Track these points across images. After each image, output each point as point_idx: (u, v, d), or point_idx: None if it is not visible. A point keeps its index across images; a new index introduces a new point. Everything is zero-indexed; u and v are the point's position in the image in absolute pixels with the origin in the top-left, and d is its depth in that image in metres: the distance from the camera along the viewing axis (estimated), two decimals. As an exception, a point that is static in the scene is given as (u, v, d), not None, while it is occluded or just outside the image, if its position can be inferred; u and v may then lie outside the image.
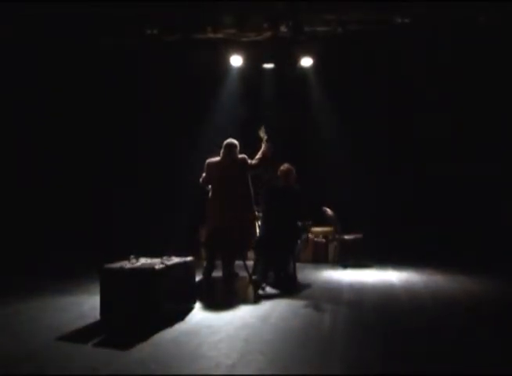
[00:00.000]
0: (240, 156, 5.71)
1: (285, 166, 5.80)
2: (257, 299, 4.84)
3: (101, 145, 7.79)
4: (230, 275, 5.68)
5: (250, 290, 5.28)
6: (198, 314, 4.26)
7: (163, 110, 7.87)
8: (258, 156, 5.71)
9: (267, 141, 5.70)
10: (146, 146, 7.94)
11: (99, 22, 6.57)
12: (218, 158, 5.73)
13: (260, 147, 5.77)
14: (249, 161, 5.66)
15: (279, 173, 5.79)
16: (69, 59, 7.11)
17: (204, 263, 5.73)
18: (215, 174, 5.67)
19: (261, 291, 5.12)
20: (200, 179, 5.81)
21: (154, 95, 7.80)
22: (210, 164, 5.74)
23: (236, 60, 7.62)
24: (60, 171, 7.46)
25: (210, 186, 5.79)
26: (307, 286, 5.51)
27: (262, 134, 5.72)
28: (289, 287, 5.32)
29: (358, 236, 6.91)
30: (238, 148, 5.73)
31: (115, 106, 7.77)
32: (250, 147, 5.82)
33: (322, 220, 7.04)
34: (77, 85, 7.43)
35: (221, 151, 5.72)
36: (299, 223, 5.61)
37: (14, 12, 6.05)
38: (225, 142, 5.73)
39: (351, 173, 7.80)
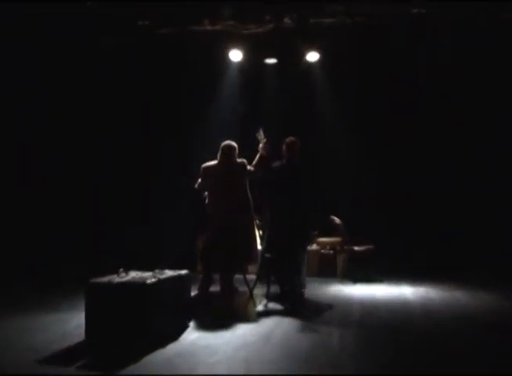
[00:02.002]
0: (239, 160, 5.71)
1: (290, 139, 5.73)
2: (258, 316, 4.84)
3: (97, 147, 7.90)
4: (229, 290, 5.69)
5: (251, 306, 5.27)
6: (194, 333, 4.25)
7: (156, 109, 7.92)
8: (256, 160, 5.72)
9: (265, 144, 5.72)
10: (139, 147, 8.01)
11: (92, 17, 6.76)
12: (214, 162, 5.73)
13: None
14: (248, 167, 5.67)
15: (284, 147, 5.71)
16: (68, 59, 7.30)
17: (200, 276, 5.72)
18: (212, 179, 5.66)
19: (262, 306, 5.12)
20: (196, 185, 5.81)
21: (148, 93, 7.86)
22: (206, 168, 5.73)
23: (236, 55, 7.65)
24: (57, 175, 7.62)
25: (206, 193, 5.79)
26: (313, 302, 5.49)
27: (260, 137, 5.74)
28: (294, 303, 5.30)
29: (369, 247, 6.91)
30: (237, 151, 5.74)
31: (107, 107, 7.87)
32: (251, 149, 5.84)
33: (330, 230, 7.06)
34: (76, 85, 7.59)
35: (219, 154, 5.72)
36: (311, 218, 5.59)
37: (14, 12, 6.32)
38: (223, 145, 5.72)
39: (361, 178, 7.81)
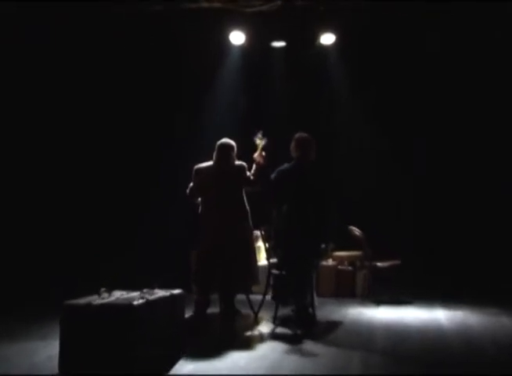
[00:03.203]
0: (238, 162, 5.73)
1: (301, 135, 5.75)
2: (264, 343, 4.83)
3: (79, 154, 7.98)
4: (230, 312, 5.67)
5: (256, 331, 5.27)
6: (188, 364, 4.22)
7: (144, 105, 7.96)
8: (253, 170, 5.74)
9: (263, 149, 5.73)
10: (123, 150, 8.05)
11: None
12: (209, 163, 5.76)
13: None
14: (247, 173, 5.69)
15: (293, 145, 5.75)
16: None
17: (196, 297, 5.72)
18: (206, 182, 5.67)
19: (269, 332, 5.16)
20: (187, 190, 5.83)
21: (131, 83, 7.88)
22: (199, 170, 5.75)
23: (237, 37, 7.67)
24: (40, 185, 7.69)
25: (199, 199, 5.81)
26: (328, 327, 5.46)
27: (259, 141, 5.74)
28: (305, 327, 5.29)
29: (395, 262, 6.87)
30: (235, 151, 5.76)
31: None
32: (253, 150, 5.83)
33: (348, 242, 7.03)
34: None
35: (214, 154, 5.74)
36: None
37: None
38: (219, 143, 5.75)
39: (384, 183, 7.81)
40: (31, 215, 7.58)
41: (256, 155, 5.71)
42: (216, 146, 5.73)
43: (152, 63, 7.87)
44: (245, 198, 5.74)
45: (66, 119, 7.74)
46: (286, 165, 5.74)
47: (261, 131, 5.76)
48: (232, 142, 5.76)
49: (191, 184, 5.78)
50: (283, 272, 5.54)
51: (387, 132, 7.85)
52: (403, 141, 7.90)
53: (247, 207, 5.74)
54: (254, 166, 5.75)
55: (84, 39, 7.46)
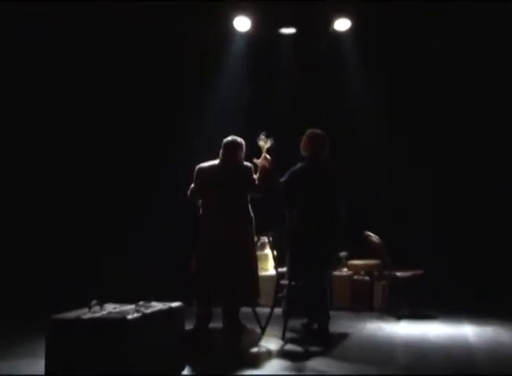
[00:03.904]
0: (246, 163, 5.76)
1: (314, 131, 5.77)
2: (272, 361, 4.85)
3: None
4: (234, 327, 5.68)
5: (263, 348, 5.25)
6: (187, 384, 4.24)
7: (143, 104, 8.01)
8: (257, 175, 5.74)
9: (267, 152, 5.74)
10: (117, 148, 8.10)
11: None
12: (214, 162, 5.79)
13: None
14: (254, 176, 5.71)
15: (304, 142, 5.76)
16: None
17: (196, 310, 5.72)
18: (208, 183, 5.69)
19: (277, 348, 5.16)
20: (188, 192, 5.84)
21: (126, 73, 7.93)
22: (203, 169, 5.77)
23: (242, 23, 7.68)
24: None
25: (201, 201, 5.82)
26: (343, 344, 5.46)
27: (263, 142, 5.75)
28: (320, 344, 5.29)
29: (417, 272, 6.83)
30: (244, 150, 5.79)
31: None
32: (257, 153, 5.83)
33: (365, 249, 7.00)
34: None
35: (221, 152, 5.77)
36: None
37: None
38: (226, 141, 5.78)
39: (405, 185, 7.79)
40: (29, 215, 7.76)
41: (260, 159, 5.72)
42: (223, 144, 5.76)
43: (150, 58, 7.95)
44: (249, 206, 5.77)
45: (66, 119, 7.93)
46: (298, 166, 5.77)
47: (264, 132, 5.78)
48: (241, 140, 5.79)
49: (192, 185, 5.79)
50: (297, 283, 5.56)
51: (408, 131, 7.86)
52: (425, 139, 7.92)
53: (252, 214, 5.76)
54: (258, 173, 5.75)
55: (84, 39, 7.65)
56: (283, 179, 5.72)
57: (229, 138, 5.78)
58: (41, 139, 7.82)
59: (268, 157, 5.70)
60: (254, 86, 8.13)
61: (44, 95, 7.80)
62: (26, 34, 7.41)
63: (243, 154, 5.77)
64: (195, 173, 5.77)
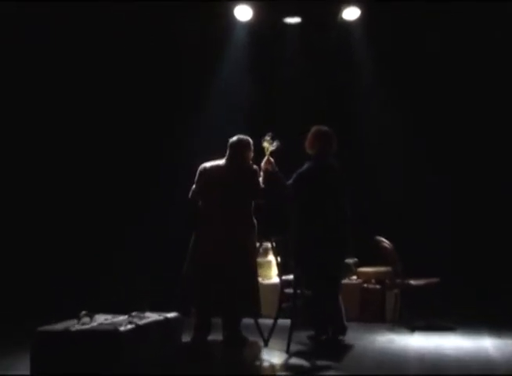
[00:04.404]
0: (254, 166, 5.80)
1: (320, 128, 5.81)
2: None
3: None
4: (235, 339, 5.68)
5: (266, 362, 5.25)
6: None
7: (143, 103, 8.10)
8: (261, 178, 5.78)
9: (272, 154, 5.77)
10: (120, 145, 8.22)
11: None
12: (219, 162, 5.81)
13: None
14: (260, 179, 5.75)
15: (310, 140, 5.81)
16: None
17: (194, 320, 5.71)
18: (214, 182, 5.70)
19: (281, 362, 5.16)
20: (190, 193, 5.85)
21: (134, 82, 8.07)
22: (206, 169, 5.80)
23: (244, 12, 7.68)
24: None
25: (200, 203, 5.83)
26: (353, 357, 5.46)
27: (267, 144, 5.78)
28: (327, 352, 5.36)
29: (432, 280, 6.81)
30: (252, 150, 5.83)
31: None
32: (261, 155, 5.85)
33: (376, 256, 6.97)
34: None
35: (227, 152, 5.82)
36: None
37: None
38: (232, 140, 5.81)
39: (419, 188, 7.82)
40: (29, 215, 7.97)
41: (263, 163, 5.75)
42: (229, 144, 5.79)
43: (150, 58, 8.07)
44: (252, 212, 5.79)
45: (66, 119, 8.14)
46: (305, 167, 5.81)
47: (269, 134, 5.79)
48: (249, 140, 5.82)
49: (193, 187, 5.81)
50: (304, 291, 5.60)
51: (423, 132, 7.89)
52: (440, 141, 7.96)
53: (254, 220, 5.79)
54: (261, 176, 5.78)
55: (84, 39, 7.83)
56: (290, 182, 5.76)
57: (236, 137, 5.82)
58: (41, 139, 8.05)
59: (272, 159, 5.74)
60: (255, 81, 8.14)
61: (44, 95, 8.02)
62: (26, 34, 7.68)
63: (251, 154, 5.81)
64: (198, 172, 5.80)
